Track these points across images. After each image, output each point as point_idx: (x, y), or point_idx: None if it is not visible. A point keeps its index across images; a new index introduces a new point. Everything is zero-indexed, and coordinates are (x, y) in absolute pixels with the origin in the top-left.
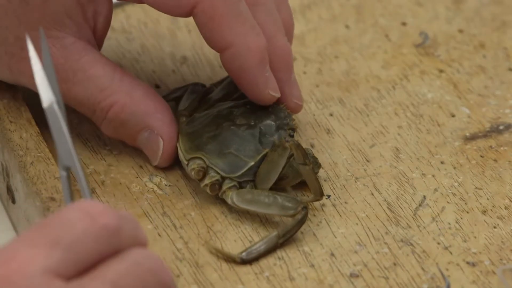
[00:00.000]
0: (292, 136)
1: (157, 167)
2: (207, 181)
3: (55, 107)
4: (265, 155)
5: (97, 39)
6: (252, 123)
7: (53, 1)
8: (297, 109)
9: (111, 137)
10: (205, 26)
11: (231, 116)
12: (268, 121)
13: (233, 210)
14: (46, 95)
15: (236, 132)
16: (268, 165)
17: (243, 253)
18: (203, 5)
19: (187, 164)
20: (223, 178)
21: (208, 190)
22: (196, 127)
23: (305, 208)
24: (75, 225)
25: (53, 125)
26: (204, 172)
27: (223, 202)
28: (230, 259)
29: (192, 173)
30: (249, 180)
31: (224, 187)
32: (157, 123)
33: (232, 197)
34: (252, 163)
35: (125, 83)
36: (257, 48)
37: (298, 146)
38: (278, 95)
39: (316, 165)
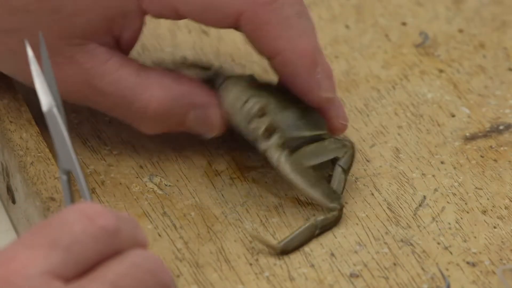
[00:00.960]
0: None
1: (157, 167)
2: (266, 120)
3: (55, 111)
4: (319, 136)
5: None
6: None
7: (81, 14)
8: (342, 129)
9: (152, 134)
10: (252, 35)
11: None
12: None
13: (233, 210)
14: (46, 99)
15: (302, 101)
16: (319, 148)
17: (282, 244)
18: (248, 14)
19: (246, 101)
20: (275, 130)
21: (262, 130)
22: (256, 85)
23: (342, 209)
24: (74, 226)
25: (53, 129)
26: (263, 113)
27: (223, 202)
28: (272, 249)
29: (256, 107)
30: (291, 147)
31: (274, 141)
32: (201, 98)
33: (281, 158)
34: (307, 134)
35: (152, 76)
36: (307, 52)
37: (353, 154)
38: (332, 95)
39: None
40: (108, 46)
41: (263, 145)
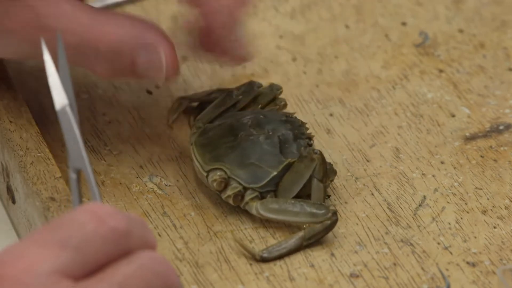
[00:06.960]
0: (311, 145)
1: (157, 167)
2: (229, 192)
3: (68, 109)
4: (287, 165)
5: None
6: (270, 133)
7: None
8: (243, 58)
9: (109, 79)
10: None
11: (245, 126)
12: (285, 130)
13: (233, 210)
14: (59, 98)
15: (255, 142)
16: (293, 175)
17: (265, 252)
18: None
19: (207, 176)
20: (245, 189)
21: (231, 201)
22: (212, 138)
23: (335, 213)
24: (84, 226)
25: (65, 128)
26: (226, 183)
27: (223, 202)
28: (251, 255)
29: (214, 184)
30: (271, 190)
31: (247, 198)
32: (152, 37)
33: (257, 207)
34: (275, 173)
35: (108, 15)
36: (227, 8)
37: (323, 161)
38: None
39: (332, 172)
40: None
41: (238, 203)
